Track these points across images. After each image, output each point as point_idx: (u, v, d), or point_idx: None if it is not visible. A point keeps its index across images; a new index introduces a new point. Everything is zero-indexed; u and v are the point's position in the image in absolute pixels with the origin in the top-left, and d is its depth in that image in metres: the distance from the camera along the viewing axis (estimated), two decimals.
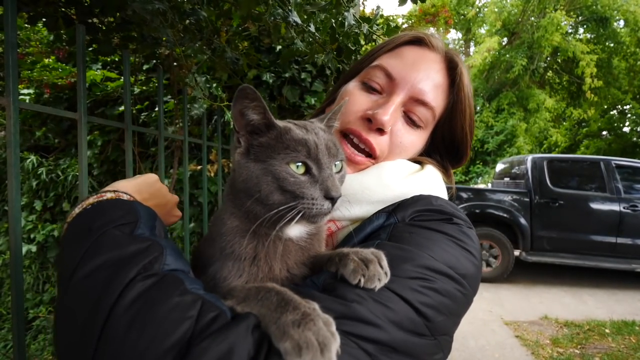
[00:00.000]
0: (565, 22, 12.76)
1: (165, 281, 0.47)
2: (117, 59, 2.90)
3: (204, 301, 0.46)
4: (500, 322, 4.20)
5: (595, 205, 5.67)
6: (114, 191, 0.64)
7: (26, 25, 2.74)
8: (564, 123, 15.70)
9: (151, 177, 0.78)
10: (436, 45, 0.81)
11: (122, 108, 2.62)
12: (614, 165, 5.86)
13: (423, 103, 0.77)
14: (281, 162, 0.55)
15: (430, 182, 0.77)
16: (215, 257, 0.60)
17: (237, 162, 0.59)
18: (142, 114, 2.74)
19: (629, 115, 15.40)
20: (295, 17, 1.27)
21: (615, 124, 15.62)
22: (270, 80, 2.30)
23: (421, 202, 0.68)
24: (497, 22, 13.51)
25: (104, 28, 1.74)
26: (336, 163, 0.60)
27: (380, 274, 0.51)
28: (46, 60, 3.03)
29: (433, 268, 0.56)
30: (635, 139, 15.50)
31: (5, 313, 3.39)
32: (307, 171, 0.56)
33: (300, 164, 0.56)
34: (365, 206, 0.71)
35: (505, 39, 14.22)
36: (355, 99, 0.79)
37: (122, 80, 2.71)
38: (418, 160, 0.84)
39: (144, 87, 2.83)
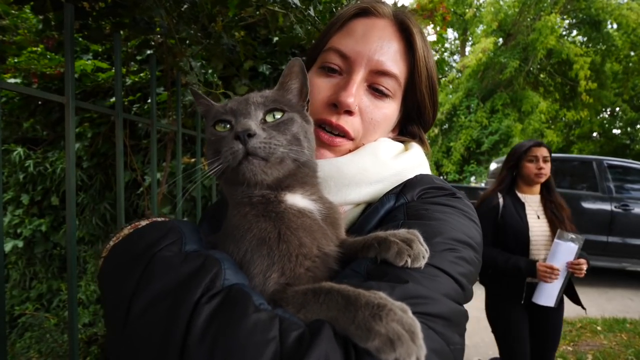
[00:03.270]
0: (559, 26, 12.88)
1: (233, 299, 0.44)
2: (108, 47, 2.82)
3: (280, 318, 0.43)
4: None
5: (587, 205, 5.73)
6: (149, 218, 0.63)
7: (13, 12, 2.64)
8: (558, 124, 15.88)
9: None
10: (382, 11, 0.78)
11: (113, 99, 2.54)
12: (605, 165, 5.92)
13: (384, 73, 0.75)
14: (209, 126, 0.60)
15: (420, 161, 0.80)
16: (240, 253, 0.55)
17: None
18: (134, 106, 2.67)
19: (620, 117, 15.63)
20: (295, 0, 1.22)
21: (607, 126, 15.84)
22: (267, 72, 2.25)
23: (424, 181, 0.71)
24: (494, 22, 13.57)
25: (94, 13, 1.68)
26: (273, 114, 0.60)
27: (423, 252, 0.51)
28: (33, 49, 2.93)
29: (458, 239, 0.58)
30: (625, 141, 15.74)
31: None
32: (231, 128, 0.58)
33: (223, 123, 0.59)
34: (364, 188, 0.71)
35: (500, 40, 14.30)
36: (317, 87, 0.76)
37: (113, 71, 2.64)
38: (401, 140, 0.84)
39: (136, 79, 2.76)
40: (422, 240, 0.52)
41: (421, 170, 0.77)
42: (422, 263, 0.50)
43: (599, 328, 4.08)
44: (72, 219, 1.11)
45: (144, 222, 0.59)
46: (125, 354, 0.45)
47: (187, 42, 1.52)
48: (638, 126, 14.74)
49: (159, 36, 1.83)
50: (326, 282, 0.49)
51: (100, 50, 2.91)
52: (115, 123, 1.31)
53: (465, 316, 0.54)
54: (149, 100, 2.52)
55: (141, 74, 2.69)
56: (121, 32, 1.68)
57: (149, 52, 2.31)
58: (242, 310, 0.42)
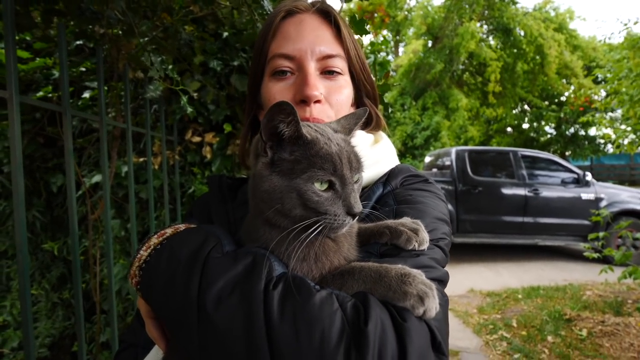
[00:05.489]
0: (479, 32, 14.34)
1: (295, 284, 0.51)
2: (28, 38, 2.50)
3: (335, 294, 0.51)
4: None
5: (505, 191, 6.54)
6: (170, 227, 0.66)
7: None
8: (479, 120, 17.69)
9: None
10: (304, 7, 0.86)
11: (40, 93, 2.27)
12: (520, 155, 6.81)
13: (329, 56, 0.83)
14: (306, 181, 0.55)
15: (391, 151, 0.90)
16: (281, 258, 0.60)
17: (259, 172, 0.59)
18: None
19: (528, 114, 17.96)
20: None
21: (517, 122, 18.10)
22: (218, 68, 2.19)
23: (403, 170, 0.82)
24: (423, 26, 14.65)
25: None
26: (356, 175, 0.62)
27: (427, 238, 0.63)
28: None
29: (438, 217, 0.72)
30: (532, 134, 18.13)
31: None
32: (331, 187, 0.57)
33: (324, 181, 0.57)
34: None
35: (430, 42, 15.48)
36: (278, 92, 0.82)
37: (38, 61, 2.34)
38: (370, 132, 0.92)
39: (69, 71, 2.48)
40: (424, 228, 0.64)
41: (393, 158, 0.89)
42: (425, 246, 0.63)
43: (519, 296, 4.72)
44: (21, 228, 1.01)
45: (169, 231, 0.64)
46: (209, 346, 0.49)
47: (138, 34, 1.43)
48: (542, 122, 17.08)
49: (98, 27, 1.70)
50: (354, 263, 0.60)
51: (17, 38, 2.56)
52: (63, 120, 1.21)
53: (448, 276, 0.68)
54: (84, 95, 2.30)
55: (72, 68, 2.44)
56: (57, 20, 1.53)
57: (77, 42, 2.11)
58: (307, 291, 0.50)
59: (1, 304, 2.65)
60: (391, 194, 0.77)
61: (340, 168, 0.56)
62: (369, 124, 0.93)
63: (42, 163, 2.52)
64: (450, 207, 6.37)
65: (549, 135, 17.81)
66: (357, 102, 0.93)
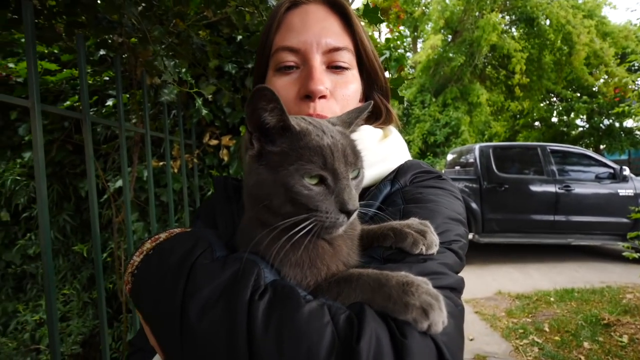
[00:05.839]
0: (500, 23, 13.85)
1: (282, 293, 0.48)
2: (56, 51, 2.63)
3: (327, 305, 0.47)
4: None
5: (534, 188, 6.26)
6: (165, 231, 0.64)
7: None
8: (504, 114, 17.08)
9: None
10: None
11: (67, 102, 2.38)
12: (549, 150, 6.50)
13: (336, 49, 0.78)
14: (294, 173, 0.50)
15: (401, 145, 0.85)
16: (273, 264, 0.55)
17: (248, 164, 0.56)
18: (91, 110, 2.51)
19: (557, 106, 17.15)
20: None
21: (545, 115, 17.33)
22: (233, 71, 2.22)
23: (414, 166, 0.76)
24: (441, 20, 14.32)
25: (45, 12, 1.57)
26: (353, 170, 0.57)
27: (435, 241, 0.57)
28: None
29: (452, 217, 0.65)
30: (562, 128, 17.30)
31: None
32: (322, 181, 0.52)
33: (314, 175, 0.52)
34: None
35: (450, 37, 15.11)
36: (283, 87, 0.78)
37: (65, 72, 2.46)
38: (378, 127, 0.87)
39: (90, 81, 2.60)
40: (433, 230, 0.58)
41: (403, 153, 0.83)
42: (434, 250, 0.56)
43: (552, 299, 4.49)
44: (46, 232, 1.05)
45: (163, 235, 0.61)
46: (192, 357, 0.47)
47: (152, 41, 1.47)
48: (572, 115, 16.27)
49: (117, 36, 1.75)
50: (353, 269, 0.54)
51: (46, 52, 2.70)
52: (83, 126, 1.25)
53: (464, 283, 0.61)
54: (108, 103, 2.39)
55: (96, 77, 2.54)
56: (77, 31, 1.59)
57: (102, 52, 2.19)
58: (295, 302, 0.46)
59: (37, 303, 2.80)
60: (399, 192, 0.71)
61: (332, 161, 0.51)
62: (378, 118, 0.89)
63: (71, 169, 2.64)
64: (474, 205, 6.17)
65: (580, 129, 16.91)
66: (367, 97, 0.89)
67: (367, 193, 0.74)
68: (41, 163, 1.04)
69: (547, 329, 3.70)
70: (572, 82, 15.65)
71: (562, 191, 6.14)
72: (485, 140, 14.96)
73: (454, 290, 0.57)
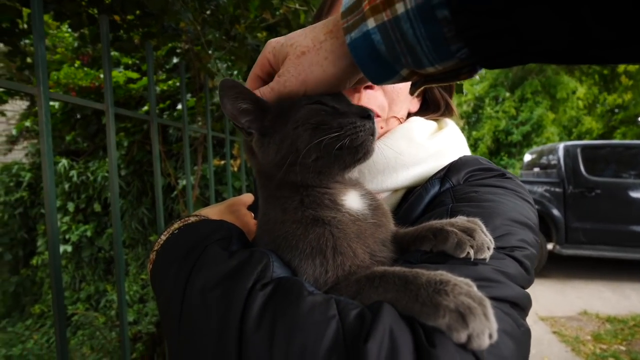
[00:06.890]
0: None
1: (285, 286, 0.43)
2: (137, 58, 2.95)
3: (336, 300, 0.41)
4: (535, 317, 4.01)
5: (635, 194, 5.33)
6: (197, 215, 0.63)
7: (51, 31, 2.83)
8: (597, 109, 14.91)
9: (234, 201, 0.75)
10: None
11: (145, 108, 2.66)
12: None
13: None
14: (301, 110, 0.51)
15: (457, 139, 0.74)
16: (290, 258, 0.51)
17: (258, 150, 0.54)
18: (165, 113, 2.78)
19: None
20: None
21: None
22: None
23: (470, 163, 0.66)
24: None
25: (125, 25, 1.76)
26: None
27: (488, 242, 0.45)
28: (70, 68, 3.13)
29: (516, 219, 0.54)
30: None
31: (46, 310, 3.54)
32: (326, 106, 0.52)
33: (320, 105, 0.52)
34: (401, 172, 0.67)
35: None
36: None
37: (144, 79, 2.76)
38: (433, 119, 0.79)
39: (165, 87, 2.87)
40: (484, 229, 0.47)
41: (460, 148, 0.73)
42: (487, 255, 0.45)
43: None
44: (117, 223, 1.16)
45: (192, 218, 0.61)
46: (183, 342, 0.45)
47: (212, 46, 1.55)
48: None
49: (184, 43, 1.89)
50: (378, 267, 0.46)
51: (130, 62, 3.06)
52: (150, 127, 1.37)
53: (530, 301, 0.50)
54: (178, 107, 2.61)
55: (169, 82, 2.80)
56: (150, 41, 1.75)
57: (175, 59, 2.40)
58: (297, 294, 0.41)
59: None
60: (449, 191, 0.60)
61: (329, 97, 0.52)
62: (436, 111, 0.80)
63: (149, 167, 2.95)
64: (556, 212, 5.47)
65: None
66: (424, 90, 0.81)
67: (411, 194, 0.66)
68: (114, 160, 1.16)
69: None
70: None
71: None
72: (573, 138, 13.19)
73: (515, 306, 0.46)
